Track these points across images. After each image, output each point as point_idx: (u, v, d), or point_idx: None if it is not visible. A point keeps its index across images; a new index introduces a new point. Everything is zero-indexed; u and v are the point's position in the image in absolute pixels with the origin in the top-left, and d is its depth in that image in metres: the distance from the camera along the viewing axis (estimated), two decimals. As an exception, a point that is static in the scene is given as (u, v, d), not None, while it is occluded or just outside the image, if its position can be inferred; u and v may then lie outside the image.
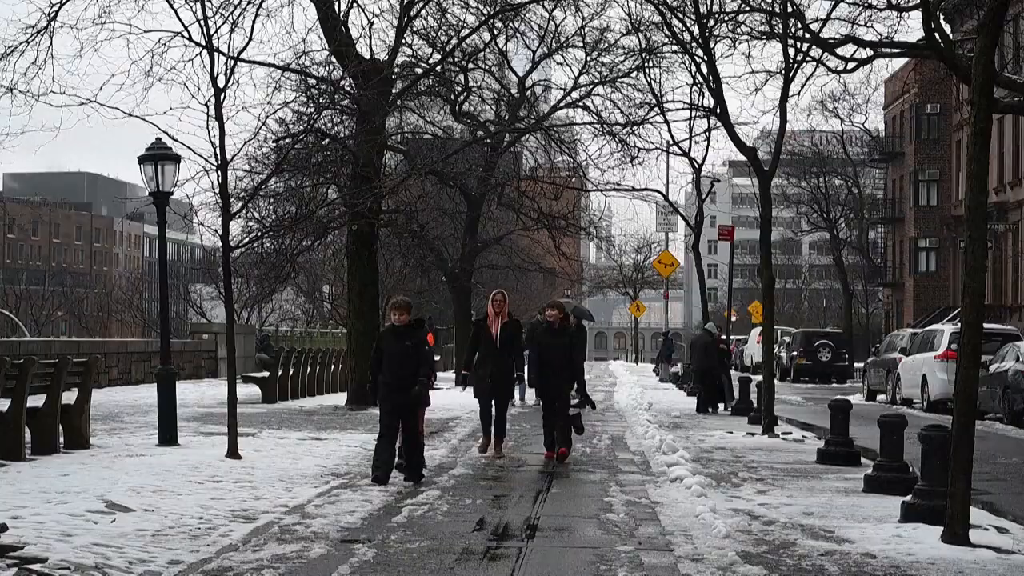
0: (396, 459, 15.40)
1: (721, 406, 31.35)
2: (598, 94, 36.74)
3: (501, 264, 50.27)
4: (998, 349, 30.56)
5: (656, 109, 34.62)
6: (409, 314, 15.39)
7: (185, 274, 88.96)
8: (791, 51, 24.91)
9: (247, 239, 24.46)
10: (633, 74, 34.92)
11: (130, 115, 18.72)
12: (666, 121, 35.56)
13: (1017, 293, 54.25)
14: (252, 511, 12.54)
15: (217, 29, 18.33)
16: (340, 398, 31.66)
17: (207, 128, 17.83)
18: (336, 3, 28.17)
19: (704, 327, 34.47)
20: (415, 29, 31.21)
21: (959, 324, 12.28)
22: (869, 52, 23.21)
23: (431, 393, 16.62)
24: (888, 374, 38.42)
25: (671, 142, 37.07)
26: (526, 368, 19.70)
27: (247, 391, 30.10)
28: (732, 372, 35.47)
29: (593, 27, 35.59)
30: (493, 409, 18.51)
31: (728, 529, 11.68)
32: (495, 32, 34.49)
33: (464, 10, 32.36)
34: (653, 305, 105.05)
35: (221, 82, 17.88)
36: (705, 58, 26.64)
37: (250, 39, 19.21)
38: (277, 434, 21.26)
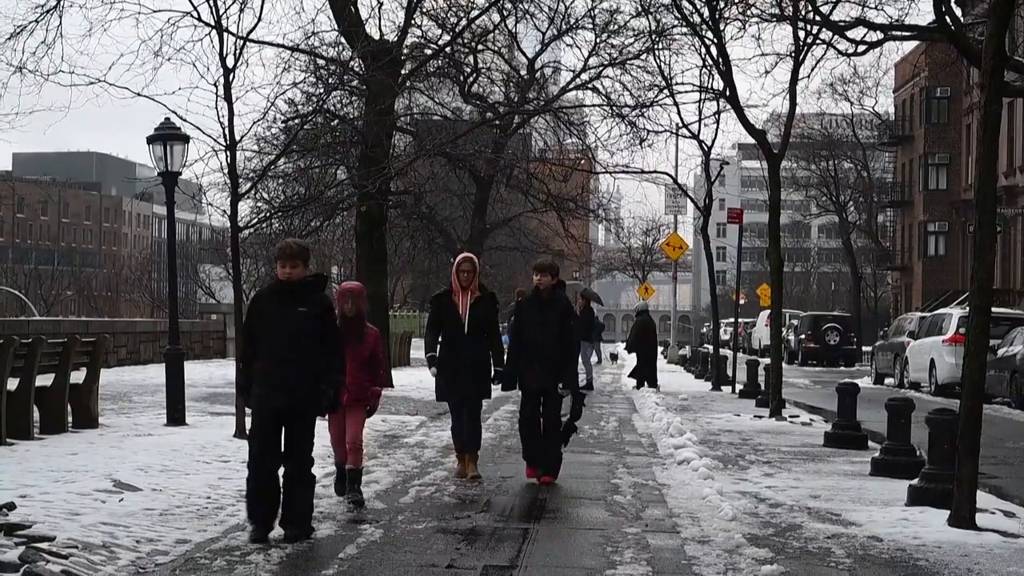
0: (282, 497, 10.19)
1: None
2: (607, 76, 36.64)
3: (509, 246, 50.26)
4: (1006, 333, 30.53)
5: (665, 91, 34.51)
6: (305, 266, 10.20)
7: (194, 254, 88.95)
8: (801, 34, 24.85)
9: (256, 220, 24.48)
10: (643, 56, 34.80)
11: (139, 95, 18.74)
12: (675, 103, 35.45)
13: (1026, 277, 54.16)
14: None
15: (226, 9, 18.29)
16: (348, 379, 31.67)
17: (216, 108, 17.83)
18: (345, -17, 28.11)
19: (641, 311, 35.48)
20: (424, 10, 31.15)
21: (967, 308, 12.27)
22: (879, 35, 23.14)
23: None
24: (896, 358, 38.40)
25: (680, 124, 36.93)
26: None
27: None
28: (723, 352, 35.98)
29: (603, 9, 35.49)
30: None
31: (735, 511, 11.68)
32: (504, 13, 34.39)
33: (474, -9, 32.26)
34: (662, 288, 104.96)
35: (230, 62, 17.87)
36: (715, 40, 26.58)
37: (259, 19, 19.18)
38: (285, 414, 21.26)
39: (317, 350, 10.07)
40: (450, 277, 14.07)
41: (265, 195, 30.41)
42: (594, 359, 40.70)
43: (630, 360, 35.03)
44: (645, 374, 32.95)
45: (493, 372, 13.80)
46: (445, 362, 13.76)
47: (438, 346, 13.93)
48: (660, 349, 42.80)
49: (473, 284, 13.79)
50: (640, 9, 31.75)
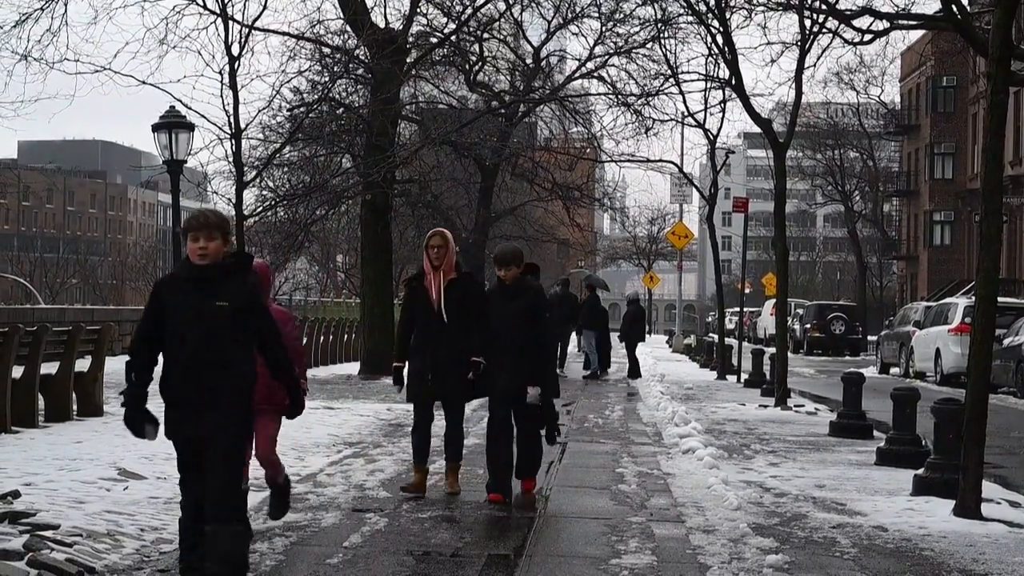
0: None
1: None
2: (613, 65, 36.60)
3: (515, 234, 50.19)
4: (1012, 323, 30.51)
5: (671, 80, 34.48)
6: (226, 241, 7.61)
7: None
8: (807, 22, 24.78)
9: (261, 208, 24.56)
10: (648, 45, 34.76)
11: (144, 83, 18.81)
12: (681, 92, 35.39)
13: (1032, 267, 54.09)
14: (263, 480, 12.52)
15: (232, -3, 18.31)
16: (353, 367, 31.71)
17: (221, 97, 17.95)
18: (351, -28, 28.09)
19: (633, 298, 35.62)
20: (430, -2, 31.12)
21: (973, 297, 12.25)
22: (886, 24, 23.06)
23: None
24: (901, 347, 38.39)
25: (686, 113, 36.86)
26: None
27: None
28: (728, 341, 36.07)
29: (609, -3, 35.43)
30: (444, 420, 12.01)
31: (740, 501, 11.67)
32: (510, 2, 34.36)
33: (479, -21, 32.22)
34: (667, 277, 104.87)
35: (235, 50, 17.90)
36: (721, 29, 26.53)
37: (265, 7, 19.29)
38: (290, 403, 21.27)
39: (241, 356, 7.54)
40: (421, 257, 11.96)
41: (270, 183, 30.44)
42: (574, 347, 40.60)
43: (621, 350, 35.18)
44: (633, 363, 33.00)
45: (471, 361, 11.47)
46: (415, 355, 11.63)
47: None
48: (665, 339, 42.91)
49: (447, 262, 11.50)
50: (646, -2, 31.72)
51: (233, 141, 17.97)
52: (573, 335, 35.55)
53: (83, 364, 18.20)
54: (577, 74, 38.32)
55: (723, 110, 35.89)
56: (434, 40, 31.79)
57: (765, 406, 23.64)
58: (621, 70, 36.41)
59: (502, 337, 11.45)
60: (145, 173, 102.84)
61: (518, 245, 12.53)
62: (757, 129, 27.21)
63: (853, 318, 56.89)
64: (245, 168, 18.97)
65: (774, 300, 35.36)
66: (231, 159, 18.50)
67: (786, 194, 26.48)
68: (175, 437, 7.57)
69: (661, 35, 32.71)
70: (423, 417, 11.80)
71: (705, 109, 35.95)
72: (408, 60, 29.36)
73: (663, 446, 16.58)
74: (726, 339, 36.41)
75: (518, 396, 11.56)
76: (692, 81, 35.21)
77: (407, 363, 11.70)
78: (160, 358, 7.56)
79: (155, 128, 19.99)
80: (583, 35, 37.68)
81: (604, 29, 36.26)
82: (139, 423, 7.50)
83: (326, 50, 28.40)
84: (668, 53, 33.62)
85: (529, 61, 39.97)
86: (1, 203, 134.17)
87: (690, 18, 29.89)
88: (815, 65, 70.09)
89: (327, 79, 28.17)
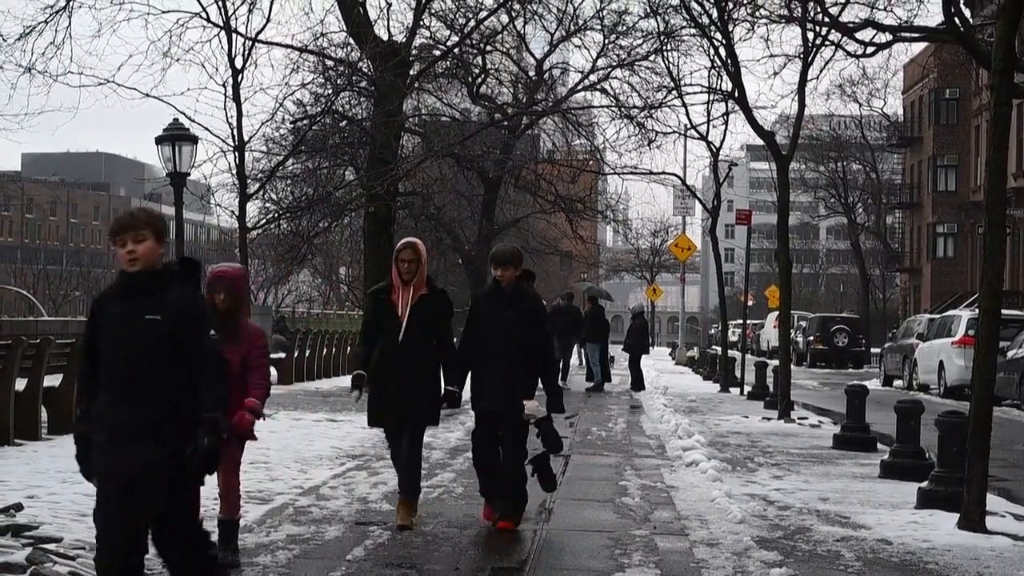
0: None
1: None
2: (616, 77, 36.60)
3: (518, 247, 50.18)
4: (1016, 335, 30.49)
5: (674, 92, 34.47)
6: (160, 242, 6.54)
7: (202, 255, 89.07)
8: (810, 35, 24.82)
9: (264, 220, 24.57)
10: (651, 57, 34.75)
11: (148, 96, 18.83)
12: (684, 105, 35.37)
13: (1035, 279, 54.06)
14: (267, 492, 12.55)
15: (235, 10, 18.38)
16: (356, 380, 31.69)
17: (224, 109, 17.94)
18: (354, -16, 28.12)
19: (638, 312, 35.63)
20: (433, 11, 31.12)
21: (977, 310, 12.23)
22: (888, 36, 23.08)
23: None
24: (905, 360, 38.35)
25: (689, 126, 36.84)
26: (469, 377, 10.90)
27: (263, 372, 30.14)
28: (731, 354, 36.02)
29: (611, 10, 35.43)
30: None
31: (743, 514, 11.66)
32: (513, 14, 34.38)
33: (482, -8, 32.25)
34: (670, 289, 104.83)
35: (239, 63, 17.91)
36: (723, 41, 26.56)
37: (268, 20, 19.34)
38: (293, 415, 21.29)
39: (174, 379, 6.43)
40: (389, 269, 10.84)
41: (273, 196, 30.42)
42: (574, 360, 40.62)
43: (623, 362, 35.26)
44: (636, 375, 32.93)
45: (444, 391, 10.67)
46: (377, 376, 10.59)
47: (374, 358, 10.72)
48: (668, 351, 42.96)
49: (419, 278, 10.54)
50: (649, 10, 31.75)
51: (236, 153, 17.99)
52: (575, 347, 35.53)
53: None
54: (580, 86, 38.34)
55: (726, 122, 35.93)
56: (437, 53, 31.78)
57: (768, 418, 23.62)
58: (624, 82, 36.45)
59: (492, 346, 10.44)
60: (149, 185, 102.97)
61: (517, 246, 11.35)
62: (760, 141, 27.25)
63: (856, 330, 56.85)
64: (248, 180, 18.99)
65: (777, 312, 35.36)
66: (234, 171, 18.52)
67: (789, 206, 26.48)
68: (94, 477, 6.51)
69: (664, 47, 32.73)
70: (395, 443, 10.90)
71: (708, 121, 35.95)
72: (411, 72, 29.36)
73: (666, 459, 16.56)
74: (729, 351, 36.39)
75: (506, 414, 10.45)
76: (695, 93, 35.31)
77: (369, 384, 10.63)
78: None
79: (158, 140, 20.01)
80: (586, 47, 37.71)
81: (607, 41, 36.28)
82: (87, 467, 6.59)
83: (329, 63, 28.40)
84: (671, 65, 33.64)
85: (532, 73, 40.01)
86: (5, 215, 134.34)
87: (693, 30, 29.91)
88: (818, 77, 70.31)
89: (330, 91, 28.16)
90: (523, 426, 10.50)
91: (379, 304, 10.68)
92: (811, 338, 56.54)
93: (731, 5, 25.86)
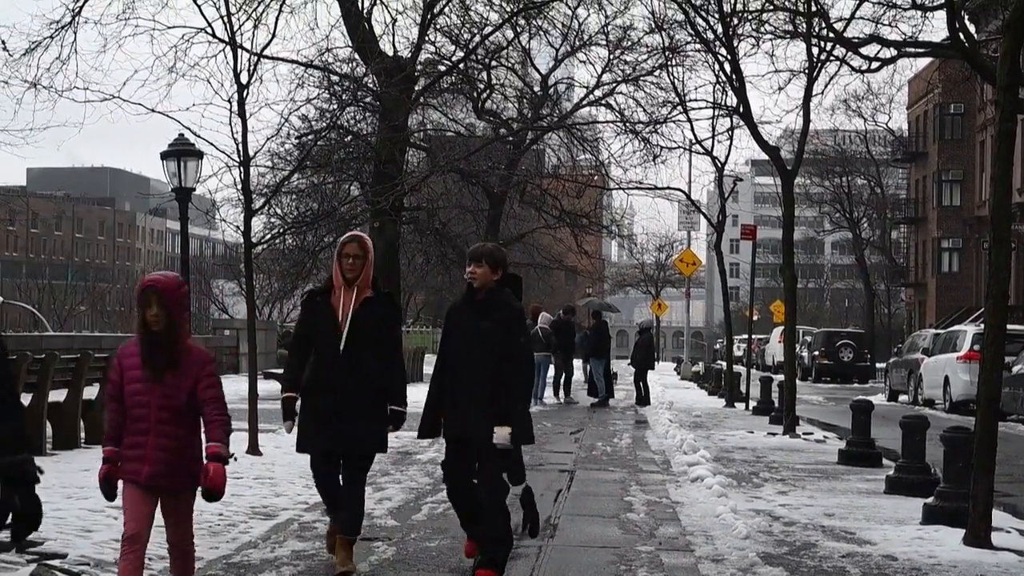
0: None
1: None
2: (621, 92, 36.68)
3: (523, 262, 50.20)
4: (1021, 351, 30.43)
5: (679, 108, 34.51)
6: None
7: (207, 270, 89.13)
8: (815, 50, 24.81)
9: (269, 235, 24.60)
10: (656, 72, 34.83)
11: (153, 111, 18.76)
12: (689, 120, 35.42)
13: (1040, 294, 54.01)
14: (272, 508, 12.54)
15: (240, 25, 18.33)
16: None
17: (230, 124, 17.84)
18: (359, 0, 28.19)
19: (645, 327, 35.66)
20: (438, 26, 31.19)
21: (982, 325, 12.22)
22: (893, 52, 23.10)
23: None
24: (910, 375, 38.30)
25: (694, 141, 36.89)
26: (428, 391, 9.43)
27: (268, 387, 30.11)
28: (736, 369, 36.07)
29: (616, 25, 35.51)
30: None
31: (749, 530, 11.64)
32: (518, 30, 34.43)
33: (487, 7, 32.29)
34: (675, 304, 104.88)
35: (244, 78, 17.89)
36: (728, 57, 26.57)
37: (273, 35, 19.23)
38: (298, 430, 21.26)
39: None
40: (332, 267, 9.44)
41: (279, 211, 30.50)
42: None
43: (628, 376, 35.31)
44: (642, 390, 32.99)
45: (390, 411, 9.34)
46: (312, 392, 9.23)
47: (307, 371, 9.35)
48: (673, 366, 42.99)
49: (364, 278, 9.20)
50: (654, 26, 31.79)
51: (241, 169, 17.94)
52: (579, 362, 35.49)
53: (91, 392, 18.18)
54: (585, 102, 38.41)
55: (731, 137, 35.95)
56: (442, 68, 31.86)
57: (774, 434, 23.58)
58: (629, 98, 36.52)
59: (462, 363, 8.93)
60: (154, 200, 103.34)
61: (500, 246, 9.66)
62: (765, 156, 27.23)
63: (861, 345, 56.79)
64: (253, 195, 18.97)
65: (782, 327, 35.35)
66: (239, 187, 18.46)
67: (794, 221, 26.48)
68: None
69: (669, 63, 32.76)
70: (324, 473, 9.40)
71: (713, 136, 35.98)
72: (416, 88, 29.42)
73: (672, 474, 16.54)
74: (734, 366, 36.36)
75: (480, 439, 8.81)
76: (700, 109, 35.18)
77: (299, 401, 9.32)
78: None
79: (164, 156, 20.07)
80: (591, 63, 37.76)
81: (612, 57, 36.34)
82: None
83: (334, 78, 28.48)
84: (676, 81, 33.67)
85: (537, 89, 40.05)
86: (10, 230, 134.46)
87: (698, 46, 29.92)
88: (823, 93, 70.33)
89: (335, 107, 28.25)
90: (502, 455, 8.90)
91: (315, 308, 9.33)
92: (816, 353, 56.48)
93: (736, 21, 25.87)
